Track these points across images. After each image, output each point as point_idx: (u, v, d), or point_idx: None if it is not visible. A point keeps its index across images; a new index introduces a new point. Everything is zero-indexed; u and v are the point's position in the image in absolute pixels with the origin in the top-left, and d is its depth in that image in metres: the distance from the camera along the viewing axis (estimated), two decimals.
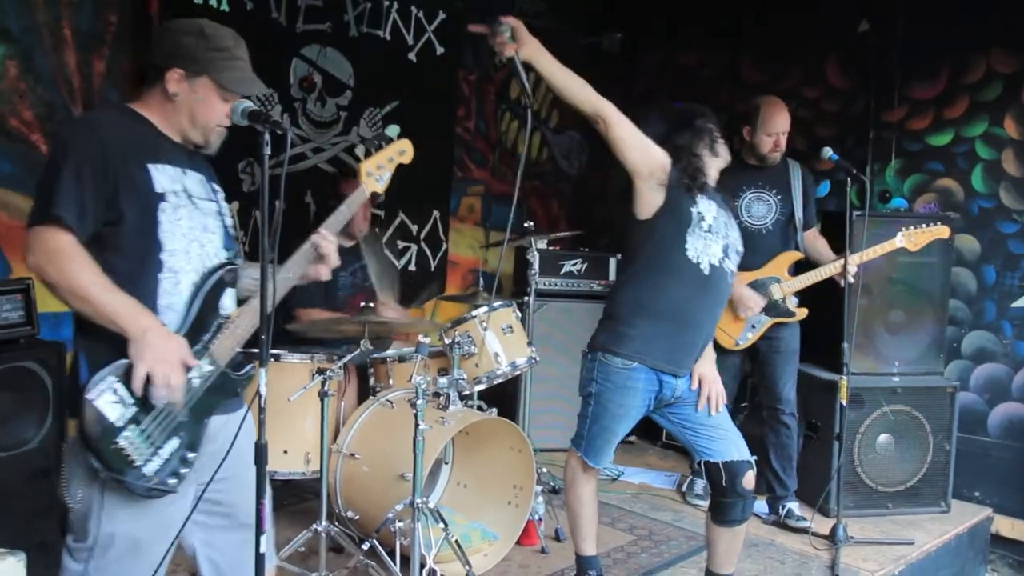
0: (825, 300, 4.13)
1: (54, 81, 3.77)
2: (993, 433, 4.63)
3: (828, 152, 3.73)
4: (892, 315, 4.35)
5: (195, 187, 2.18)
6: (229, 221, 2.27)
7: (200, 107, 2.13)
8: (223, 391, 2.15)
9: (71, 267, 1.92)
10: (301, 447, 3.47)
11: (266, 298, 1.97)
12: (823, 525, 3.93)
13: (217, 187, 2.29)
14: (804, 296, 4.12)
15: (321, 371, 3.27)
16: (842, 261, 3.87)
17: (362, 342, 3.49)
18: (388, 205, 5.18)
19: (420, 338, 3.11)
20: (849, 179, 3.74)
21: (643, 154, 2.89)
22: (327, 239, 2.26)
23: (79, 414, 1.92)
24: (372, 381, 3.83)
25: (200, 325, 2.10)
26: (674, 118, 3.02)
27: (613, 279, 5.24)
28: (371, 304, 3.65)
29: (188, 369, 2.02)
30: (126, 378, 1.94)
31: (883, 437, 4.26)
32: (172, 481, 2.03)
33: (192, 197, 2.15)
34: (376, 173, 2.42)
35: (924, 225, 3.97)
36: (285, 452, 3.45)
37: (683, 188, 2.90)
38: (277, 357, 3.48)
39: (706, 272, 2.90)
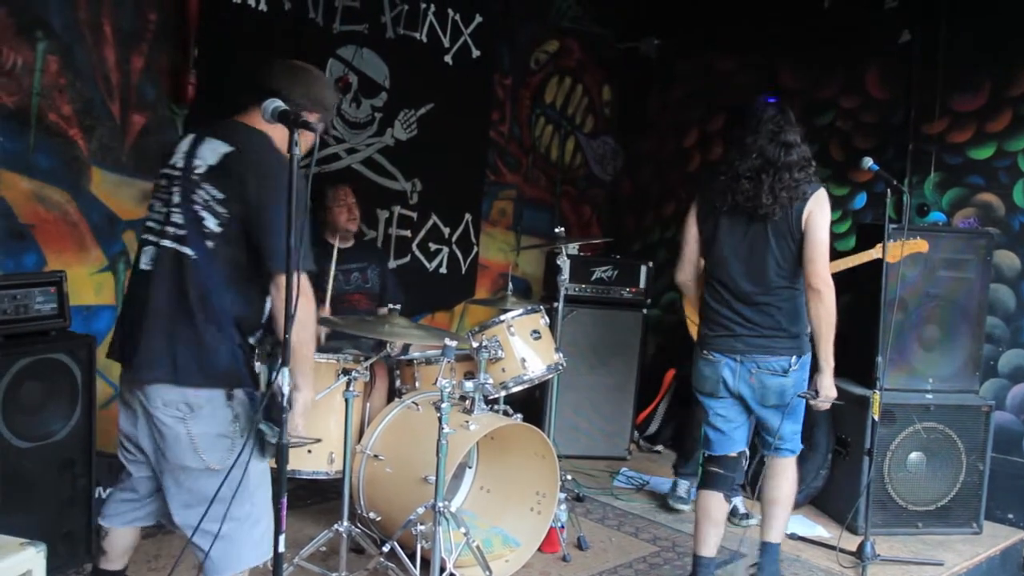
0: (860, 313, 4.07)
1: (93, 77, 3.81)
2: None
3: (868, 162, 3.68)
4: (927, 331, 4.29)
5: None
6: None
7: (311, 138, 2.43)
8: None
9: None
10: (325, 447, 3.47)
11: (290, 300, 1.97)
12: (851, 542, 3.87)
13: None
14: (840, 308, 4.08)
15: (346, 371, 3.28)
16: None
17: (388, 344, 3.49)
18: (421, 207, 5.19)
19: (447, 341, 3.10)
20: (889, 191, 3.69)
21: None
22: None
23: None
24: (398, 383, 3.83)
25: None
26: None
27: (643, 285, 5.22)
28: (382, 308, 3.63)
29: None
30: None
31: (914, 455, 4.19)
32: None
33: None
34: None
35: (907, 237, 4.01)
36: (309, 451, 3.45)
37: None
38: None
39: None
